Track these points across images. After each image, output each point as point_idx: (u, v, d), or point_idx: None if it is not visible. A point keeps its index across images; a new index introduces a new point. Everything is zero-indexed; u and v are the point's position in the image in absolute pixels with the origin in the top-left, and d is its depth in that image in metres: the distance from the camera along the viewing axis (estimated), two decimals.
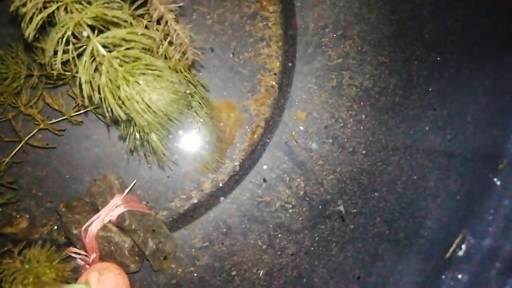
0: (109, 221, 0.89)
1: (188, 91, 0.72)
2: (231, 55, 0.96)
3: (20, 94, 0.85)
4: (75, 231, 0.89)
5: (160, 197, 0.96)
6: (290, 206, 0.98)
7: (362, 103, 0.99)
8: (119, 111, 0.56)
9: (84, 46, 0.57)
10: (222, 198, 0.97)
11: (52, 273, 0.66)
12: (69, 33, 0.55)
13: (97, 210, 0.90)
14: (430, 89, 0.98)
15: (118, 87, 0.56)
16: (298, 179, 0.98)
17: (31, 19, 0.55)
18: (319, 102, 0.99)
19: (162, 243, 0.90)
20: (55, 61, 0.56)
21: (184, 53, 0.62)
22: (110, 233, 0.88)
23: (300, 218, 0.98)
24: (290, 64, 0.99)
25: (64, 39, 0.54)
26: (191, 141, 0.97)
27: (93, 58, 0.56)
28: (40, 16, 0.54)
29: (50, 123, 0.89)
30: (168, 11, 0.56)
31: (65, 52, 0.57)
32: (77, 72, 0.56)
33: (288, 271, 0.97)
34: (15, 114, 0.87)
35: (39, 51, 0.79)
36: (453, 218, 0.92)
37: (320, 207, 0.98)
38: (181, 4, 0.58)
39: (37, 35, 0.58)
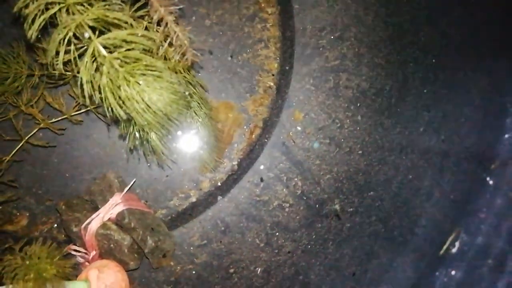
0: (109, 219, 0.90)
1: (187, 92, 0.73)
2: (229, 58, 0.97)
3: (21, 94, 0.86)
4: (75, 229, 0.89)
5: (159, 196, 0.97)
6: (288, 205, 0.99)
7: (358, 104, 1.01)
8: (120, 111, 0.57)
9: (86, 47, 0.58)
10: (219, 197, 0.98)
11: (52, 270, 0.67)
12: (70, 34, 0.56)
13: (96, 208, 0.91)
14: (425, 91, 0.99)
15: (119, 87, 0.57)
16: (296, 179, 1.00)
17: (33, 20, 0.57)
18: (317, 103, 1.01)
19: (161, 241, 0.91)
20: (57, 61, 0.57)
21: (183, 54, 0.63)
22: (110, 231, 0.89)
23: (297, 217, 0.99)
24: (288, 66, 1.00)
25: (66, 40, 0.56)
26: (190, 140, 0.98)
27: (94, 59, 0.57)
28: (42, 17, 0.55)
29: (51, 122, 0.89)
30: (168, 13, 0.57)
31: (66, 52, 0.58)
32: (78, 72, 0.58)
33: (285, 268, 0.98)
34: (16, 113, 0.88)
35: (40, 51, 0.80)
36: (447, 217, 0.94)
37: (317, 206, 0.99)
38: (181, 6, 0.59)
39: (39, 36, 0.59)
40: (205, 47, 0.97)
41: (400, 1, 1.00)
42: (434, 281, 0.88)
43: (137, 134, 0.73)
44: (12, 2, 0.59)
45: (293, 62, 1.00)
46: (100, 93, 0.57)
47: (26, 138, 0.89)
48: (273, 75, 1.00)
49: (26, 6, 0.56)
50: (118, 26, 0.58)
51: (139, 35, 0.57)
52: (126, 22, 0.57)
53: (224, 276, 0.97)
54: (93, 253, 0.89)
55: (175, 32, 0.59)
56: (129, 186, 0.93)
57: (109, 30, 0.59)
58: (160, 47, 0.63)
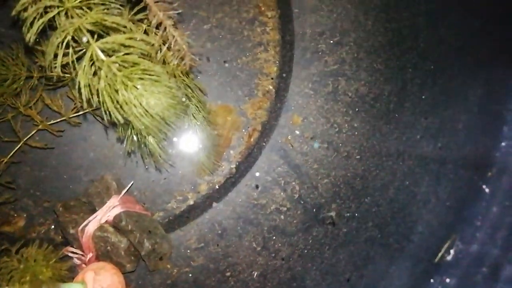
0: (106, 222, 0.90)
1: (184, 98, 0.73)
2: (226, 65, 0.97)
3: (20, 95, 0.86)
4: (72, 231, 0.89)
5: (156, 198, 0.97)
6: (285, 209, 0.99)
7: (357, 109, 1.01)
8: (117, 115, 0.57)
9: (84, 50, 0.58)
10: (215, 204, 0.98)
11: (48, 272, 0.67)
12: (69, 38, 0.56)
13: (94, 211, 0.91)
14: (423, 97, 0.99)
15: (117, 92, 0.57)
16: (293, 183, 1.00)
17: (32, 23, 0.57)
18: (315, 107, 1.01)
19: (158, 244, 0.91)
20: (55, 64, 0.57)
21: (182, 58, 0.63)
22: (107, 233, 0.89)
23: (294, 221, 0.99)
24: (287, 69, 1.00)
25: (64, 44, 0.56)
26: (188, 143, 0.98)
27: (92, 63, 0.57)
28: (41, 20, 0.55)
29: (49, 124, 0.89)
30: (166, 17, 0.57)
31: (65, 55, 0.58)
32: (76, 76, 0.58)
33: (281, 273, 0.98)
34: (14, 115, 0.88)
35: (39, 53, 0.80)
36: (442, 224, 0.94)
37: (314, 210, 0.99)
38: (180, 10, 0.59)
39: (37, 39, 0.59)
40: (204, 52, 0.98)
41: (400, 7, 1.01)
42: None
43: (134, 138, 0.74)
44: (11, 3, 0.59)
45: (292, 66, 1.00)
46: (98, 97, 0.57)
47: (25, 139, 0.89)
48: (272, 78, 1.00)
49: (25, 9, 0.56)
50: (117, 30, 0.59)
51: (138, 39, 0.57)
52: (125, 26, 0.58)
53: (221, 279, 0.97)
54: (90, 255, 0.89)
55: (173, 37, 0.59)
56: (126, 189, 0.93)
57: (108, 34, 0.59)
58: (159, 52, 0.63)
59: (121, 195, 0.91)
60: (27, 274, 0.65)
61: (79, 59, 0.59)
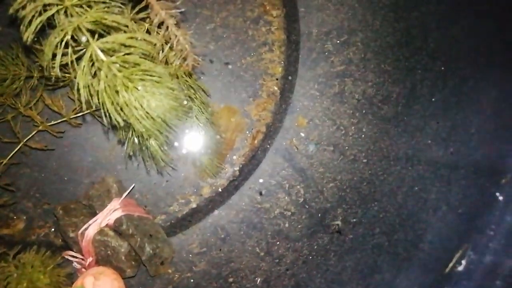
0: (106, 225, 0.88)
1: (185, 102, 0.71)
2: (230, 65, 0.95)
3: (20, 96, 0.84)
4: (71, 234, 0.88)
5: (158, 201, 0.95)
6: (289, 213, 0.97)
7: (364, 111, 0.98)
8: (117, 117, 0.55)
9: (84, 49, 0.56)
10: (217, 211, 0.96)
11: (46, 279, 0.66)
12: (68, 37, 0.54)
13: (94, 214, 0.89)
14: (433, 99, 0.96)
15: (117, 93, 0.55)
16: (298, 186, 0.97)
17: (30, 22, 0.55)
18: (321, 108, 0.98)
19: (159, 248, 0.89)
20: (54, 64, 0.55)
21: (184, 59, 0.61)
22: (107, 237, 0.87)
23: (299, 226, 0.97)
24: (292, 70, 0.98)
25: (63, 43, 0.54)
26: (191, 145, 0.96)
27: (92, 63, 0.55)
28: (39, 19, 0.53)
29: (49, 125, 0.88)
30: (169, 16, 0.55)
31: (64, 54, 0.56)
32: (76, 76, 0.56)
33: (285, 279, 0.96)
34: (14, 115, 0.86)
35: (39, 52, 0.79)
36: (453, 232, 0.91)
37: (319, 215, 0.97)
38: (182, 9, 0.57)
39: (36, 38, 0.57)
40: (207, 51, 0.96)
41: (409, 6, 0.98)
42: None
43: (136, 140, 0.72)
44: (9, 1, 0.57)
45: (298, 67, 0.98)
46: (97, 98, 0.55)
47: (24, 140, 0.88)
48: (277, 79, 0.98)
49: (23, 8, 0.54)
50: (117, 29, 0.57)
51: (139, 39, 0.55)
52: (126, 26, 0.56)
53: (223, 285, 0.95)
54: (90, 259, 0.88)
55: (176, 36, 0.57)
56: (127, 192, 0.91)
57: (109, 33, 0.57)
58: (161, 52, 0.61)
59: (122, 198, 0.89)
60: (24, 281, 0.63)
61: (79, 58, 0.57)
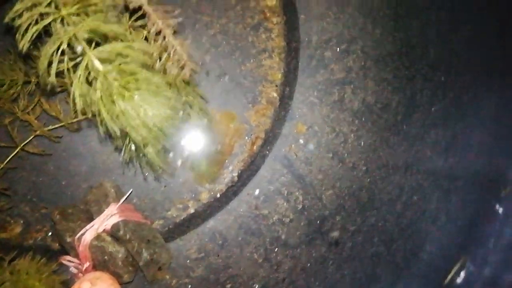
0: (103, 230, 0.88)
1: (182, 112, 0.71)
2: (230, 71, 0.95)
3: (17, 100, 0.84)
4: (68, 239, 0.88)
5: (156, 206, 0.95)
6: (288, 220, 0.96)
7: (363, 119, 0.98)
8: (114, 126, 0.55)
9: (81, 57, 0.56)
10: (215, 217, 0.95)
11: (41, 286, 0.65)
12: (64, 46, 0.54)
13: (91, 219, 0.89)
14: (433, 109, 0.96)
15: (113, 102, 0.55)
16: (297, 193, 0.97)
17: (26, 30, 0.55)
18: (320, 115, 0.98)
19: (157, 254, 0.88)
20: (50, 73, 0.55)
21: (182, 68, 0.61)
22: (104, 243, 0.87)
23: (297, 233, 0.96)
24: (292, 77, 0.98)
25: (59, 52, 0.53)
26: (189, 151, 0.96)
27: (88, 72, 0.55)
28: (35, 28, 0.53)
29: (47, 130, 0.88)
30: (166, 26, 0.55)
31: (61, 61, 0.56)
32: (72, 84, 0.55)
33: (283, 286, 0.95)
34: (11, 120, 0.86)
35: (36, 59, 0.79)
36: (453, 243, 0.90)
37: (318, 222, 0.96)
38: (180, 19, 0.56)
39: (32, 45, 0.57)
40: (206, 59, 0.95)
41: (409, 16, 0.97)
42: None
43: (133, 147, 0.71)
44: (7, 6, 0.57)
45: (298, 74, 0.98)
46: (93, 107, 0.55)
47: (22, 145, 0.88)
48: (276, 86, 0.98)
49: (19, 16, 0.54)
50: (115, 38, 0.56)
51: (136, 48, 0.55)
52: (123, 35, 0.55)
53: None
54: (87, 264, 0.87)
55: (173, 46, 0.56)
56: (125, 197, 0.91)
57: (106, 41, 0.57)
58: (158, 61, 0.60)
59: (119, 203, 0.89)
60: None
61: (76, 65, 0.57)
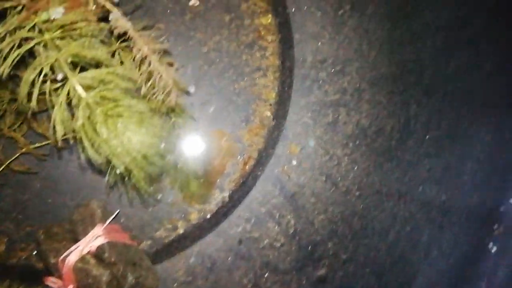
0: (88, 252, 0.85)
1: (163, 145, 0.69)
2: (223, 89, 0.93)
3: (4, 117, 0.82)
4: (53, 260, 0.85)
5: (145, 226, 0.93)
6: (279, 244, 0.94)
7: (357, 142, 0.96)
8: (95, 156, 0.53)
9: (63, 82, 0.54)
10: (204, 239, 0.93)
11: None
12: (46, 70, 0.52)
13: (77, 239, 0.86)
14: (427, 137, 0.94)
15: (95, 130, 0.53)
16: (289, 216, 0.95)
17: (8, 54, 0.53)
18: (314, 137, 0.96)
19: (143, 277, 0.86)
20: (31, 98, 0.53)
21: (167, 94, 0.59)
22: (88, 265, 0.84)
23: (288, 258, 0.94)
24: (286, 96, 0.96)
25: (41, 78, 0.52)
26: (179, 170, 0.94)
27: (70, 98, 0.53)
28: (16, 52, 0.52)
29: (34, 147, 0.86)
30: (152, 52, 0.53)
31: (45, 81, 0.54)
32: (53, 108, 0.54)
33: None
34: None
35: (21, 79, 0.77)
36: (444, 280, 0.88)
37: (309, 247, 0.94)
38: (167, 45, 0.55)
39: (14, 68, 0.55)
40: (200, 76, 0.93)
41: (404, 39, 0.96)
42: None
43: (117, 171, 0.69)
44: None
45: (292, 93, 0.96)
46: (75, 134, 0.53)
47: (7, 162, 0.85)
48: (270, 104, 0.96)
49: (1, 40, 0.53)
50: (98, 63, 0.55)
51: (119, 74, 0.53)
52: (106, 59, 0.54)
53: None
54: (70, 287, 0.85)
55: (158, 72, 0.55)
56: (111, 218, 0.88)
57: (91, 65, 0.55)
58: (143, 87, 0.59)
59: (105, 224, 0.87)
60: None
61: (59, 88, 0.55)
